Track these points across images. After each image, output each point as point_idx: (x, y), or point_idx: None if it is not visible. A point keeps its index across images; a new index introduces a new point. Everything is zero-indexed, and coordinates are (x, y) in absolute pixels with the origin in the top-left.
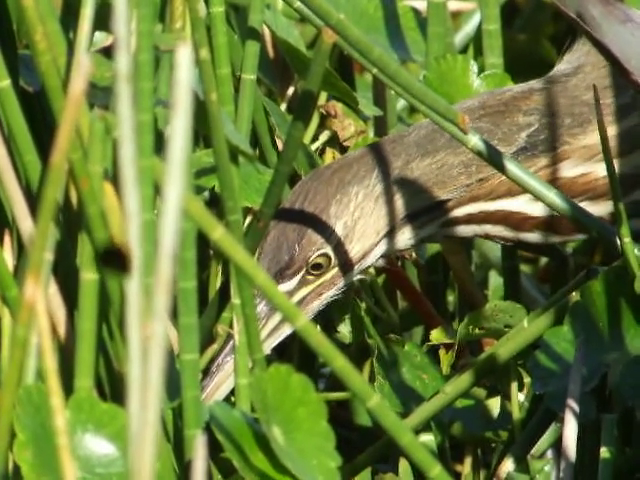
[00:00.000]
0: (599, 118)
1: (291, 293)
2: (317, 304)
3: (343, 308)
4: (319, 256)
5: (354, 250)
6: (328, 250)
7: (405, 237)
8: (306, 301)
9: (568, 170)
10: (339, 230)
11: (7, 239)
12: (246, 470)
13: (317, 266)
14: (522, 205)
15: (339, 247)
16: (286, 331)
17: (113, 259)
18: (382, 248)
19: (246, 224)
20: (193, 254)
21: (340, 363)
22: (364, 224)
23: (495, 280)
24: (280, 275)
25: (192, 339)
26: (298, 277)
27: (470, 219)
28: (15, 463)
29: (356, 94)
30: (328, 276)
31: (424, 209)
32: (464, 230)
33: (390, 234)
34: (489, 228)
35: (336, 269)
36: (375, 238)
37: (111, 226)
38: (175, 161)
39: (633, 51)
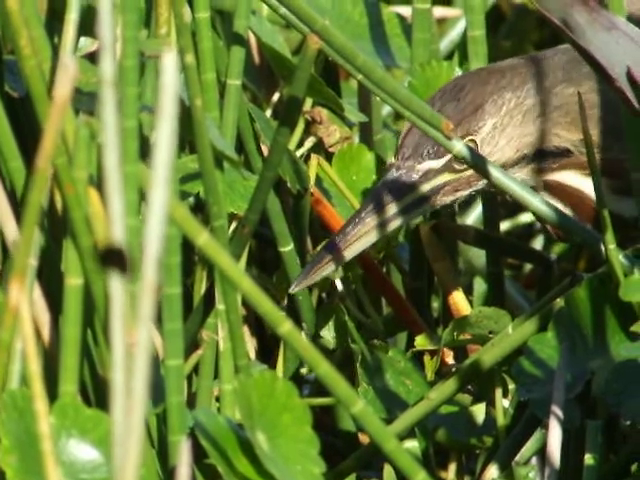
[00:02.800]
0: (583, 119)
1: (436, 172)
2: (450, 199)
3: (327, 314)
4: (469, 141)
5: (495, 155)
6: (477, 139)
7: (518, 175)
8: (444, 191)
9: None
10: (488, 128)
11: None
12: (230, 476)
13: None
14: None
15: (485, 143)
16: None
17: (112, 259)
18: (514, 174)
19: (231, 230)
20: (178, 260)
21: (324, 369)
22: (509, 133)
23: (480, 286)
24: (429, 153)
25: (177, 345)
26: (446, 158)
27: (555, 188)
28: None
29: (341, 100)
30: (468, 172)
31: (552, 152)
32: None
33: (520, 161)
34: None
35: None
36: (513, 154)
37: (96, 231)
38: (160, 166)
39: (617, 58)
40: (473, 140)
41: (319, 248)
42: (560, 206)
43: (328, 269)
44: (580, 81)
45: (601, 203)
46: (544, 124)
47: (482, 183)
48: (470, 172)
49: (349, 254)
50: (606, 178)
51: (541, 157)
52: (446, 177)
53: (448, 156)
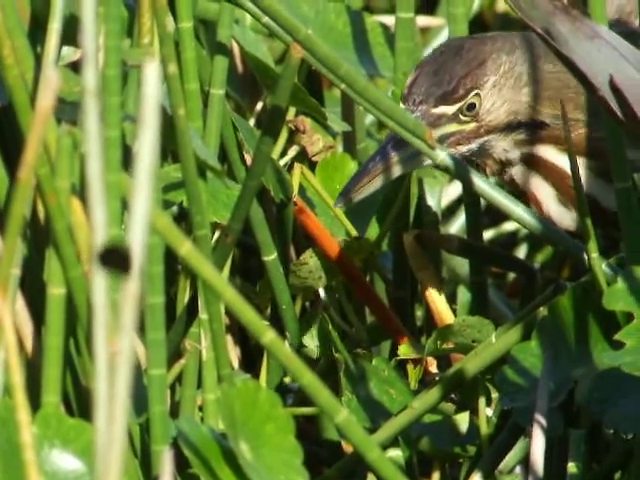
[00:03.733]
0: (566, 132)
1: (448, 119)
2: (452, 152)
3: (311, 323)
4: (476, 95)
5: (492, 114)
6: (482, 94)
7: (502, 144)
8: (448, 142)
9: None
10: (490, 84)
11: None
12: None
13: (471, 107)
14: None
15: (486, 99)
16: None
17: (113, 259)
18: (498, 142)
19: (214, 239)
20: (161, 269)
21: (308, 378)
22: (504, 95)
23: (463, 295)
24: (443, 98)
25: (159, 354)
26: (457, 106)
27: (533, 162)
28: None
29: (325, 109)
30: (469, 127)
31: (527, 124)
32: (520, 175)
33: (506, 128)
34: (538, 184)
35: (474, 125)
36: (505, 117)
37: (78, 241)
38: (142, 176)
39: (600, 67)
40: (479, 94)
41: (370, 155)
42: (540, 180)
43: (376, 183)
44: (556, 61)
45: (583, 211)
46: (526, 95)
47: (478, 142)
48: (472, 126)
49: (391, 175)
50: (588, 159)
51: (520, 128)
52: (453, 127)
53: (460, 103)
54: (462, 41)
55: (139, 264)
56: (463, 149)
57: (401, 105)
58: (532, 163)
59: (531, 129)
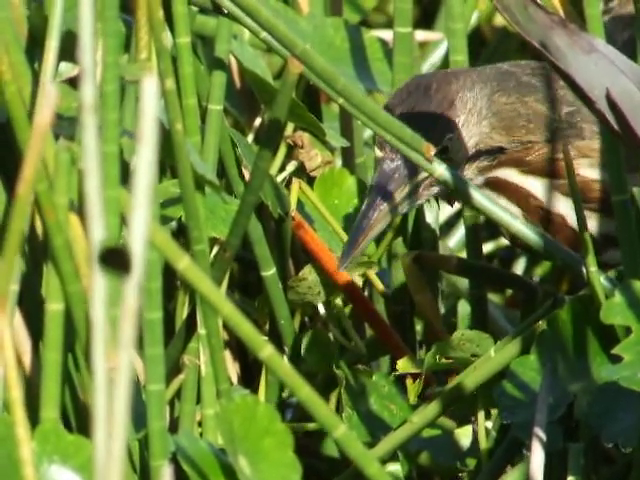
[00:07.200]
0: (567, 160)
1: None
2: (427, 193)
3: (310, 338)
4: (449, 139)
5: (460, 152)
6: (454, 136)
7: (466, 173)
8: (424, 184)
9: (585, 169)
10: (461, 124)
11: None
12: None
13: (444, 150)
14: (540, 191)
15: (458, 139)
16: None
17: (113, 259)
18: (463, 172)
19: (213, 254)
20: (159, 285)
21: (306, 393)
22: (470, 131)
23: (463, 309)
24: None
25: (158, 370)
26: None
27: (496, 185)
28: None
29: (323, 125)
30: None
31: (487, 151)
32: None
33: (469, 160)
34: (503, 205)
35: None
36: (469, 152)
37: (77, 257)
38: (141, 192)
39: (597, 81)
40: (451, 138)
41: (355, 223)
42: (505, 201)
43: (369, 239)
44: (510, 92)
45: (582, 224)
46: (486, 127)
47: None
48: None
49: (371, 236)
50: (554, 179)
51: (481, 156)
52: (425, 172)
53: (433, 150)
54: (429, 80)
55: (139, 273)
56: (435, 190)
57: (377, 152)
58: (496, 186)
59: (492, 155)
